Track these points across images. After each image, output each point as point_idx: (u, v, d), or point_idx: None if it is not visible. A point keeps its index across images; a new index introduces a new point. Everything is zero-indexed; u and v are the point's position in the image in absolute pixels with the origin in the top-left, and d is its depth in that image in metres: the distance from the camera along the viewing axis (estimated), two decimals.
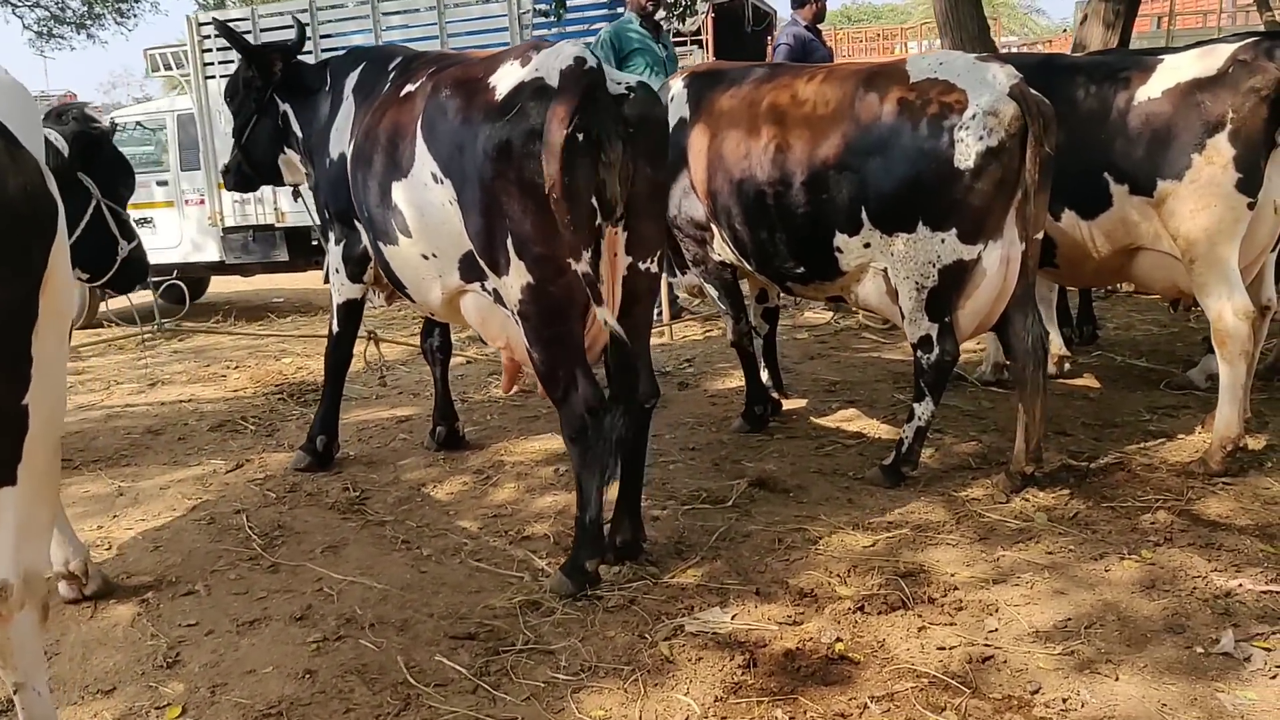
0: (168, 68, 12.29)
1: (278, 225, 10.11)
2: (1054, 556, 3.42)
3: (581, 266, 3.01)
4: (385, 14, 10.81)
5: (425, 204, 3.45)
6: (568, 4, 11.91)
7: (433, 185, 3.40)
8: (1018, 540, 3.55)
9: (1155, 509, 3.69)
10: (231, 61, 11.38)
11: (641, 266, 3.26)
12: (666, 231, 3.31)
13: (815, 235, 4.01)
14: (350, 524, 3.90)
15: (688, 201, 4.53)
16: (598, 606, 3.16)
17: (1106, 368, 5.72)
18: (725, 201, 4.28)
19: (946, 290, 3.81)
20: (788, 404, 5.15)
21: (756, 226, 4.18)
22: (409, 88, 3.67)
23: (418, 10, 10.65)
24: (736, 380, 5.34)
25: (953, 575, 3.32)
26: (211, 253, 10.51)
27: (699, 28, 20.29)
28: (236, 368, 6.76)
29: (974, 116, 3.61)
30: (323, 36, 11.03)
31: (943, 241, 3.74)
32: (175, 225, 10.74)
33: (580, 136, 2.93)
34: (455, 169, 3.27)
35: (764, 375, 5.00)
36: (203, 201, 10.47)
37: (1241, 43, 4.06)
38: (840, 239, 3.96)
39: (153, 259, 5.10)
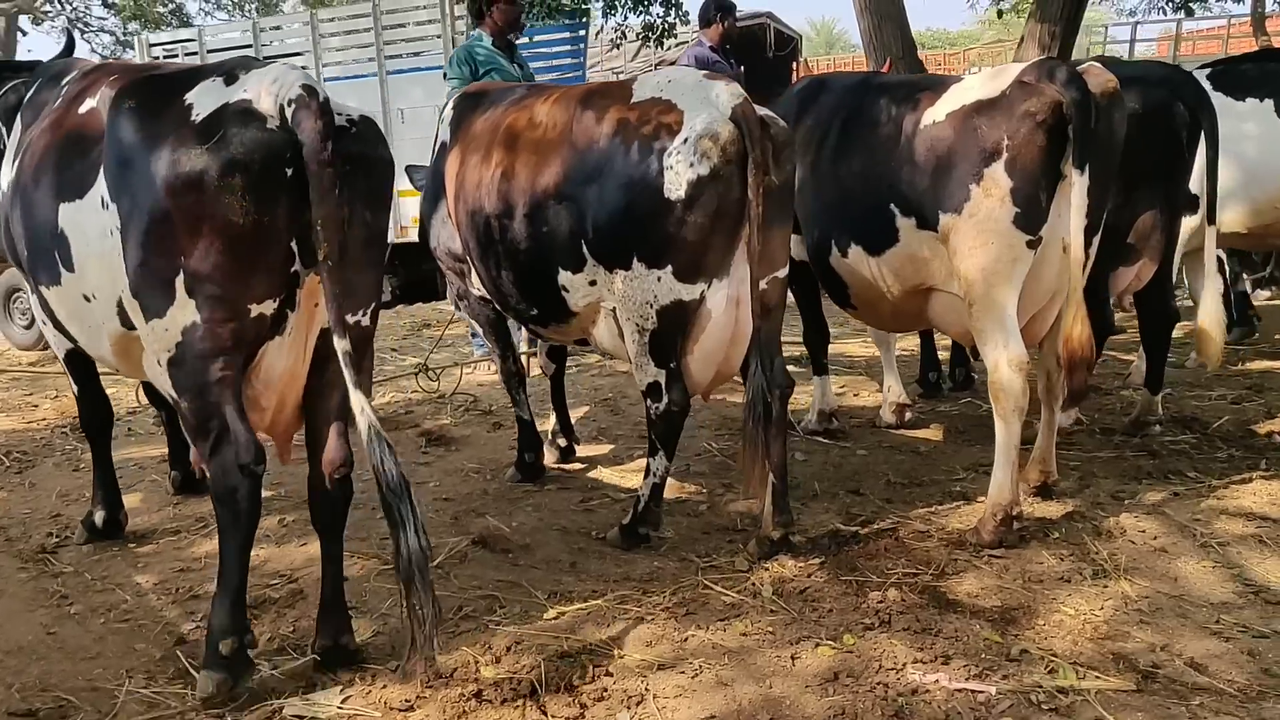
0: None
1: None
2: (747, 640, 3.05)
3: (261, 309, 2.70)
4: (324, 35, 10.75)
5: (89, 231, 3.14)
6: (527, 34, 11.86)
7: (100, 211, 3.13)
8: (722, 618, 3.18)
9: (889, 586, 3.29)
10: None
11: (350, 319, 2.90)
12: (380, 283, 2.95)
13: (541, 272, 3.70)
14: (23, 574, 3.65)
15: (445, 231, 4.26)
16: None
17: (963, 417, 5.31)
18: (466, 234, 3.99)
19: (669, 333, 3.47)
20: (587, 449, 4.82)
21: (488, 261, 3.89)
22: (88, 102, 3.42)
23: (355, 31, 10.57)
24: (553, 422, 5.03)
25: (622, 658, 2.97)
26: None
27: None
28: (56, 397, 6.58)
29: (685, 141, 3.29)
30: (266, 58, 11.04)
31: (659, 280, 3.40)
32: None
33: (289, 171, 2.60)
34: (125, 194, 2.99)
35: (552, 420, 4.68)
36: None
37: (1030, 62, 3.67)
38: (564, 276, 3.64)
39: None
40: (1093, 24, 22.35)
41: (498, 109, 4.02)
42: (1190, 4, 14.68)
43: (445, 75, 6.25)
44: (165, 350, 2.75)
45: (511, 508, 4.16)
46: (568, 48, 13.14)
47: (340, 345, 2.55)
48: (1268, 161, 5.47)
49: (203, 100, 2.64)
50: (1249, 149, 5.51)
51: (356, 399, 2.54)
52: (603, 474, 4.58)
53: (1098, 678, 2.78)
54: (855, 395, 5.83)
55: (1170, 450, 4.65)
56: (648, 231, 3.37)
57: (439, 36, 10.50)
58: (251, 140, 2.56)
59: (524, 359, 4.93)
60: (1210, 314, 4.37)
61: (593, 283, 3.60)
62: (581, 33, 13.00)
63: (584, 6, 11.97)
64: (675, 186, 3.29)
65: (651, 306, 3.43)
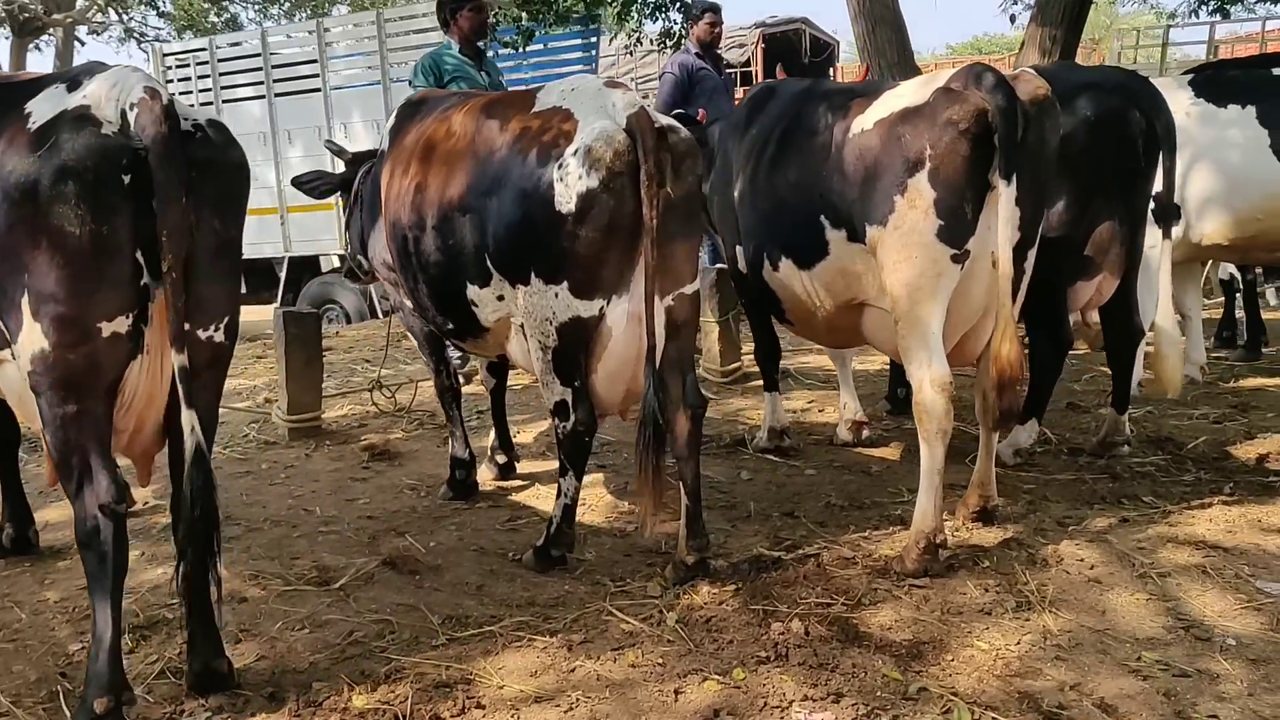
0: None
1: None
2: (635, 671, 2.94)
3: (113, 328, 2.59)
4: (329, 44, 10.83)
5: None
6: (535, 36, 11.82)
7: None
8: (616, 648, 3.07)
9: (796, 617, 3.15)
10: (192, 91, 11.72)
11: (202, 335, 2.80)
12: (235, 294, 2.87)
13: (452, 286, 3.63)
14: None
15: (379, 242, 4.19)
16: None
17: None
18: (391, 245, 3.93)
19: (570, 351, 3.37)
20: (533, 465, 4.73)
21: (408, 274, 3.83)
22: None
23: (360, 40, 10.62)
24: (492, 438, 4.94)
25: (500, 688, 2.87)
26: None
27: (748, 59, 20.00)
28: None
29: (575, 152, 3.19)
30: (274, 67, 11.15)
31: (556, 296, 3.30)
32: None
33: (128, 178, 2.51)
34: None
35: (492, 436, 4.59)
36: None
37: (960, 68, 3.52)
38: (473, 291, 3.56)
39: None
40: (1150, 26, 21.71)
41: (427, 119, 3.95)
42: (1226, 6, 14.26)
43: (410, 83, 6.19)
44: (26, 378, 2.65)
45: (435, 526, 4.08)
46: (579, 54, 13.12)
47: (177, 360, 2.47)
48: (1250, 169, 5.24)
49: (41, 108, 2.58)
50: (1231, 157, 5.29)
51: (188, 417, 2.46)
52: (538, 492, 4.48)
53: (994, 719, 2.63)
54: (820, 411, 5.68)
55: (1135, 472, 4.46)
56: (542, 245, 3.27)
57: (439, 44, 10.56)
58: (84, 146, 2.48)
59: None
60: (1166, 336, 4.16)
61: (500, 297, 3.51)
62: (593, 39, 12.96)
63: (595, 12, 11.86)
64: (566, 199, 3.19)
65: (551, 323, 3.33)
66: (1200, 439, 4.86)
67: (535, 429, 5.49)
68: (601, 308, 3.31)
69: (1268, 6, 16.33)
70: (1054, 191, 4.18)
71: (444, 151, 3.62)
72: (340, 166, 4.69)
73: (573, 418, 3.43)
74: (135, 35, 26.05)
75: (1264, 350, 6.57)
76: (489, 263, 3.45)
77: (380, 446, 4.95)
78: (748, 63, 19.50)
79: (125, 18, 25.77)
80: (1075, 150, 4.14)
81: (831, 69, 22.75)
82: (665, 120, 3.34)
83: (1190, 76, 5.68)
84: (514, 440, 4.91)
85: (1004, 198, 3.31)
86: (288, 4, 27.23)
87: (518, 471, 4.69)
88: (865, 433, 4.92)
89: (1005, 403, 3.41)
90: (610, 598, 3.42)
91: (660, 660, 2.98)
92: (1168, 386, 4.22)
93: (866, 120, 3.59)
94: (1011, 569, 3.47)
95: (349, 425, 5.61)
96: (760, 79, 16.51)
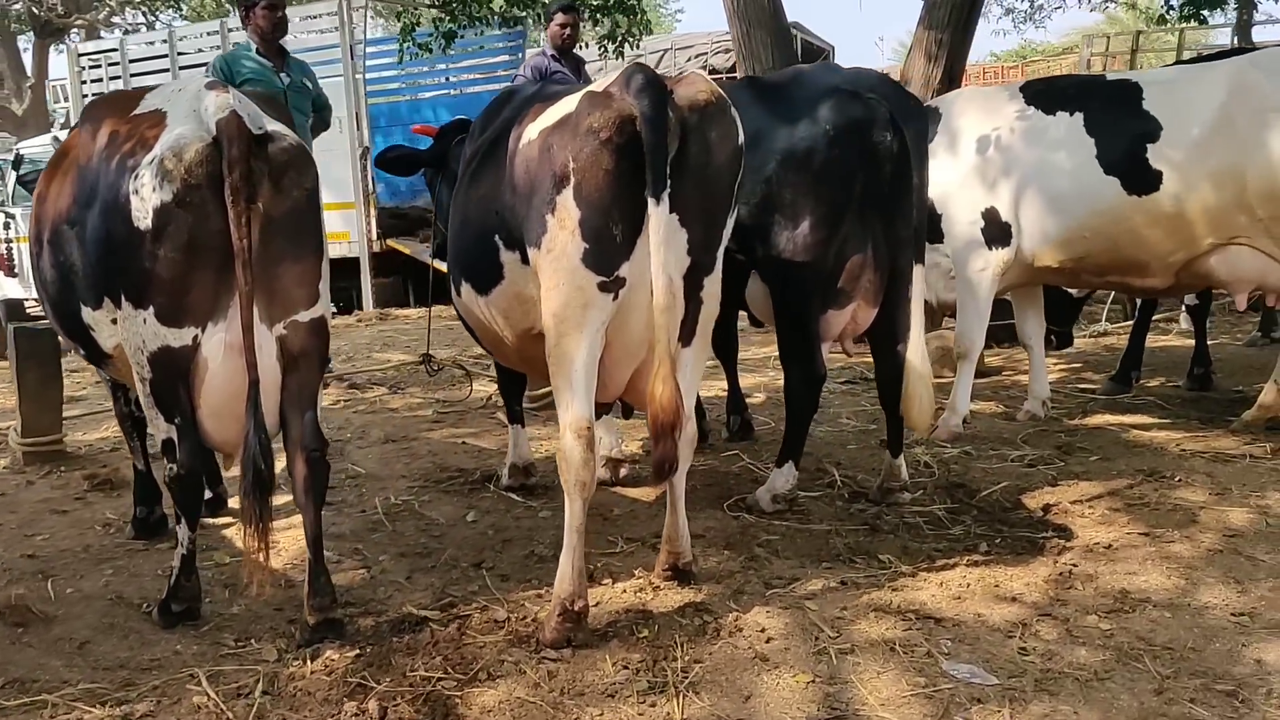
0: (55, 101, 12.51)
1: None
2: None
3: None
4: (235, 44, 10.56)
5: None
6: (455, 38, 11.49)
7: None
8: None
9: (388, 695, 2.78)
10: (104, 91, 11.53)
11: None
12: None
13: (69, 307, 3.30)
14: None
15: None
16: None
17: (707, 472, 4.72)
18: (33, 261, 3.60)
19: (167, 384, 3.03)
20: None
21: (39, 292, 3.49)
22: None
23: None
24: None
25: None
26: None
27: (733, 65, 19.58)
28: None
29: (152, 161, 2.84)
30: (181, 68, 10.92)
31: (145, 323, 2.96)
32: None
33: None
34: None
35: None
36: None
37: (622, 68, 3.14)
38: (87, 313, 3.24)
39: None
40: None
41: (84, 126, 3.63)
42: (1201, 11, 13.72)
43: None
44: None
45: (91, 569, 3.75)
46: (505, 57, 12.80)
47: None
48: (1075, 183, 4.81)
49: None
50: (1057, 169, 4.87)
51: None
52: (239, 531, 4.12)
53: None
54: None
55: (902, 523, 4.05)
56: (125, 266, 2.94)
57: (337, 45, 10.28)
58: None
59: None
60: (914, 372, 3.75)
61: (115, 321, 3.17)
62: (519, 41, 12.64)
63: (513, 14, 11.53)
64: (143, 214, 2.85)
65: (143, 352, 2.99)
66: (999, 485, 4.43)
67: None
68: (195, 336, 2.96)
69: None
70: (797, 211, 3.82)
71: (69, 160, 3.30)
72: None
73: (176, 458, 3.08)
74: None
75: (1135, 384, 6.10)
76: (92, 283, 3.12)
77: (103, 476, 4.62)
78: (733, 69, 19.09)
79: (150, 17, 25.77)
80: (817, 164, 3.76)
81: None
82: (273, 126, 2.98)
83: (1024, 83, 5.25)
84: None
85: (654, 218, 2.92)
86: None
87: (229, 507, 4.34)
88: (624, 471, 4.53)
89: (660, 452, 3.01)
90: (216, 661, 3.07)
91: None
92: (915, 426, 3.82)
93: (533, 130, 3.22)
94: (670, 642, 3.07)
95: (101, 449, 5.29)
96: None
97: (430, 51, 10.83)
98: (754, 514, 4.13)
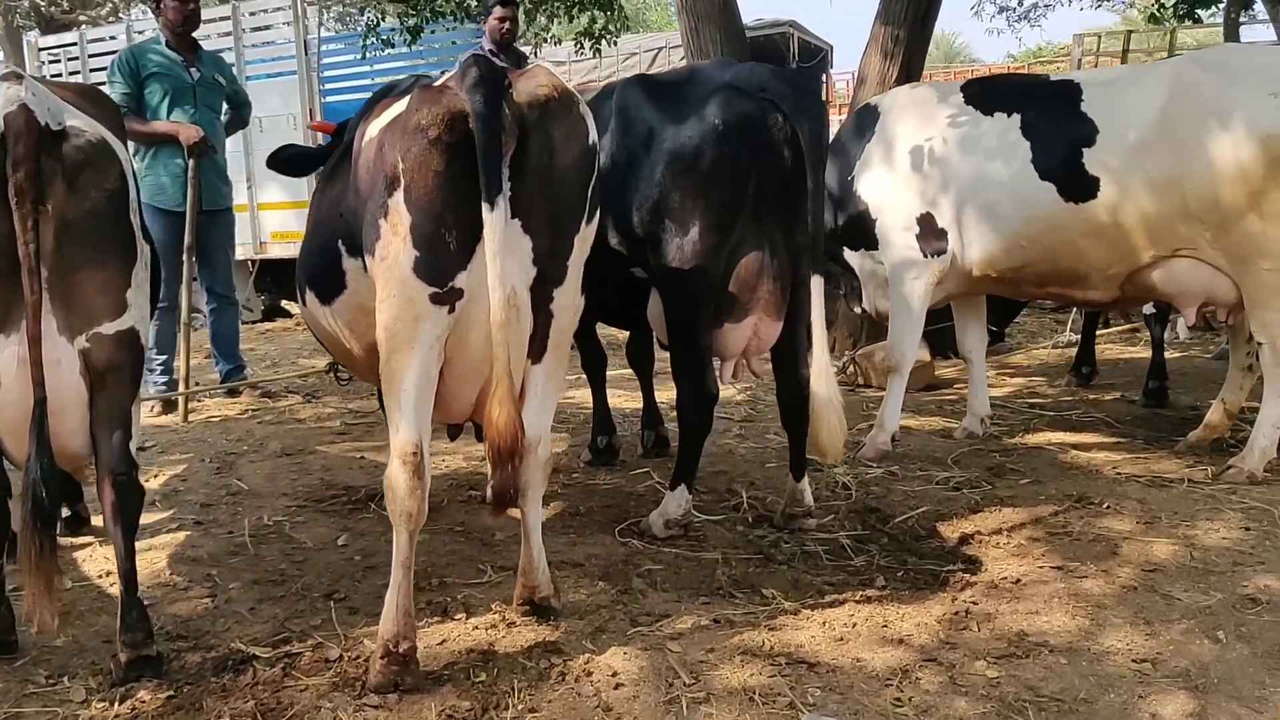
0: None
1: None
2: None
3: None
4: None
5: None
6: (421, 34, 11.23)
7: None
8: None
9: None
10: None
11: None
12: None
13: None
14: None
15: None
16: None
17: (614, 493, 4.46)
18: None
19: None
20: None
21: None
22: None
23: (215, 36, 10.14)
24: None
25: None
26: None
27: None
28: None
29: None
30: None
31: None
32: None
33: None
34: None
35: None
36: None
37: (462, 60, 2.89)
38: None
39: None
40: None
41: None
42: (1195, 10, 13.39)
43: (109, 82, 5.65)
44: None
45: None
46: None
47: None
48: (1011, 188, 4.54)
49: None
50: (992, 173, 4.60)
51: None
52: (94, 553, 3.88)
53: None
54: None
55: (801, 552, 3.80)
56: None
57: (290, 40, 10.07)
58: None
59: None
60: (819, 395, 3.49)
61: None
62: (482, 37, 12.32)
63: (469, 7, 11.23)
64: None
65: None
66: (917, 510, 4.17)
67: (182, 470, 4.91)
68: None
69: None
70: (685, 217, 3.57)
71: None
72: None
73: None
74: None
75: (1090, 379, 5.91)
76: None
77: None
78: None
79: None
80: (705, 166, 3.51)
81: (823, 75, 21.96)
82: (75, 121, 2.74)
83: (964, 83, 4.98)
84: None
85: (489, 225, 2.67)
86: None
87: (90, 525, 4.10)
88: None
89: (498, 480, 2.76)
90: (17, 701, 2.83)
91: None
92: (824, 453, 3.56)
93: (374, 128, 2.98)
94: (507, 687, 2.82)
95: None
96: None
97: (393, 46, 10.57)
98: (645, 540, 3.88)
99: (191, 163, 5.52)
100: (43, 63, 11.44)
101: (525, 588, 3.18)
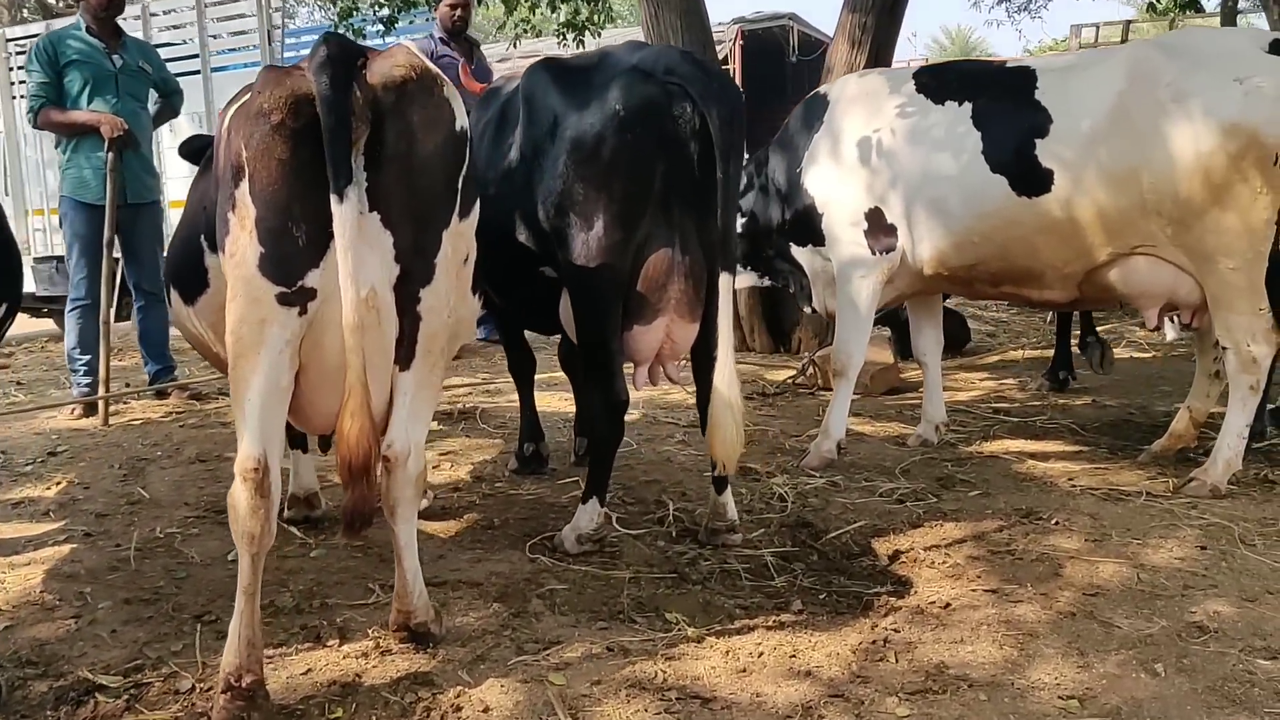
0: None
1: None
2: None
3: None
4: (154, 30, 10.14)
5: None
6: (397, 23, 11.01)
7: None
8: None
9: None
10: None
11: None
12: None
13: None
14: None
15: None
16: None
17: (534, 503, 4.22)
18: None
19: None
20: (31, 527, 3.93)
21: None
22: None
23: (181, 27, 9.93)
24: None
25: None
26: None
27: (725, 57, 19.02)
28: None
29: None
30: None
31: None
32: None
33: None
34: None
35: None
36: None
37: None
38: None
39: None
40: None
41: None
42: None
43: (26, 70, 5.43)
44: None
45: None
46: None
47: None
48: (961, 181, 4.28)
49: None
50: (942, 165, 4.34)
51: None
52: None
53: None
54: (435, 468, 4.77)
55: (721, 570, 3.57)
56: None
57: (254, 29, 9.85)
58: None
59: None
60: (719, 398, 3.25)
61: None
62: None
63: None
64: None
65: None
66: (854, 525, 3.92)
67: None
68: None
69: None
70: (589, 210, 3.33)
71: None
72: None
73: None
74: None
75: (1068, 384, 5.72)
76: None
77: None
78: (725, 62, 18.55)
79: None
80: (607, 155, 3.27)
81: (824, 69, 21.66)
82: None
83: (917, 69, 4.73)
84: None
85: (338, 218, 2.44)
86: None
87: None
88: (425, 502, 4.04)
89: (350, 500, 2.53)
90: None
91: None
92: (718, 460, 3.33)
93: (229, 113, 2.75)
94: None
95: None
96: (741, 80, 15.54)
97: (365, 38, 10.36)
98: (555, 556, 3.64)
99: (111, 155, 5.29)
100: (10, 54, 11.23)
101: (400, 613, 2.94)
